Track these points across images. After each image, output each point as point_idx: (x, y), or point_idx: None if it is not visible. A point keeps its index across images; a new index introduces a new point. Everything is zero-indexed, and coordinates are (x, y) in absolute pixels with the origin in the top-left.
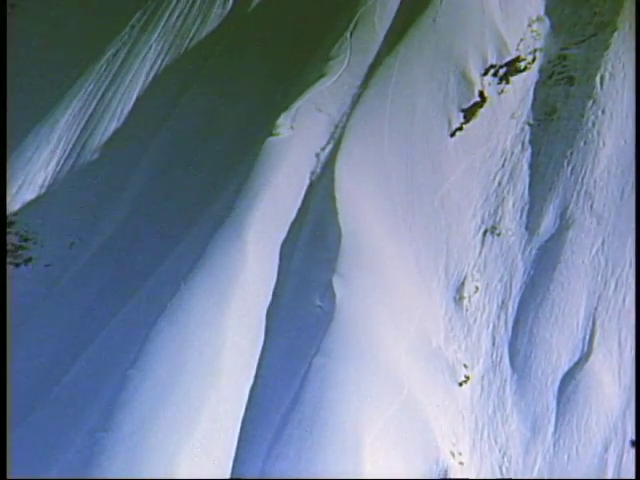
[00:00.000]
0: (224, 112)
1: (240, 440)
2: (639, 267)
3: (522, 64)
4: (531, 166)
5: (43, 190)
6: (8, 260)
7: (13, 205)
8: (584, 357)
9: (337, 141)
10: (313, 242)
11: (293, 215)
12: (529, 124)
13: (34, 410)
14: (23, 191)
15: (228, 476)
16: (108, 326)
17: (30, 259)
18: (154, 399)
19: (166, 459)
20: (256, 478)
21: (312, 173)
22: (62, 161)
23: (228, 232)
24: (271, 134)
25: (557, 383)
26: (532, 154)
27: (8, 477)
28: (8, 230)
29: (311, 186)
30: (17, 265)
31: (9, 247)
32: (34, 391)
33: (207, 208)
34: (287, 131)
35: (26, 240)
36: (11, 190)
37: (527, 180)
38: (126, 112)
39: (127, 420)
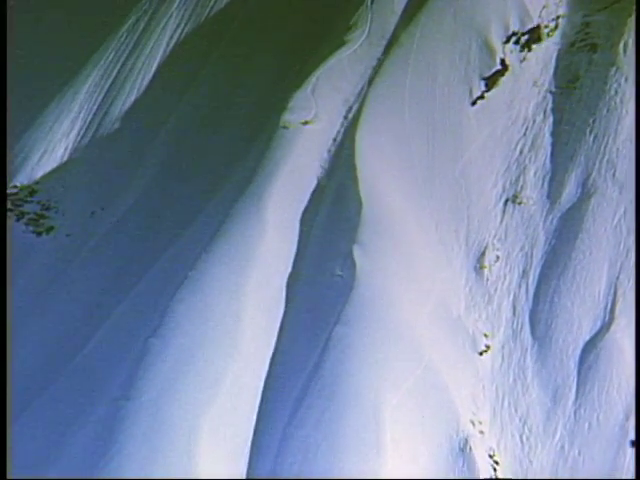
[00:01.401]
0: (244, 82)
1: (261, 408)
2: (639, 266)
3: (544, 31)
4: (553, 134)
5: (64, 159)
6: (30, 229)
7: (35, 174)
8: (605, 326)
9: (357, 111)
10: (333, 212)
11: (313, 185)
12: (551, 92)
13: (55, 380)
14: (44, 160)
15: (249, 443)
16: (129, 295)
17: (52, 228)
18: (175, 367)
19: (188, 427)
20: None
21: (333, 142)
22: (83, 130)
23: (248, 202)
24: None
25: (578, 352)
26: (554, 122)
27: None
28: (29, 199)
29: (332, 156)
30: (39, 234)
31: (31, 216)
32: (55, 360)
33: (227, 178)
34: (303, 113)
35: (47, 209)
36: (33, 159)
37: (549, 148)
38: (147, 81)
39: (148, 388)
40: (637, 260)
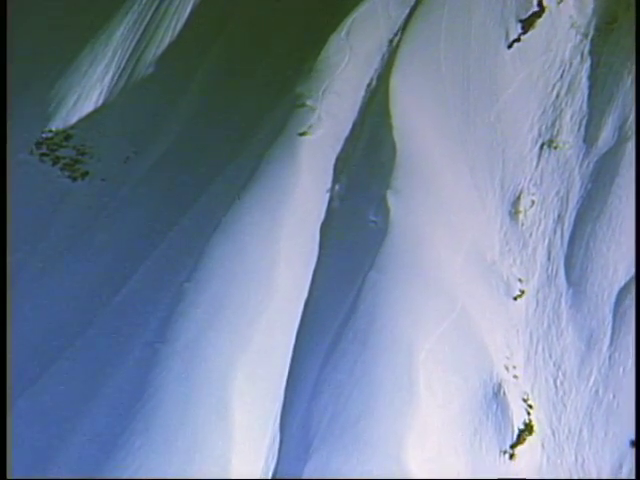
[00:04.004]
0: (278, 24)
1: (294, 353)
2: (639, 266)
3: None
4: (590, 77)
5: (99, 104)
6: (65, 174)
7: (70, 118)
8: None
9: (392, 54)
10: (368, 157)
11: (347, 130)
12: (589, 34)
13: (90, 324)
14: (79, 105)
15: (283, 386)
16: (164, 240)
17: (87, 173)
18: (210, 311)
19: (222, 370)
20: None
21: (367, 87)
22: (117, 75)
23: (282, 147)
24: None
25: (614, 297)
26: (591, 65)
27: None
28: (65, 144)
29: (367, 100)
30: (74, 179)
31: (66, 161)
32: (90, 305)
33: (261, 122)
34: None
35: (83, 154)
36: (68, 104)
37: (586, 92)
38: (181, 24)
39: (183, 332)
40: (637, 258)
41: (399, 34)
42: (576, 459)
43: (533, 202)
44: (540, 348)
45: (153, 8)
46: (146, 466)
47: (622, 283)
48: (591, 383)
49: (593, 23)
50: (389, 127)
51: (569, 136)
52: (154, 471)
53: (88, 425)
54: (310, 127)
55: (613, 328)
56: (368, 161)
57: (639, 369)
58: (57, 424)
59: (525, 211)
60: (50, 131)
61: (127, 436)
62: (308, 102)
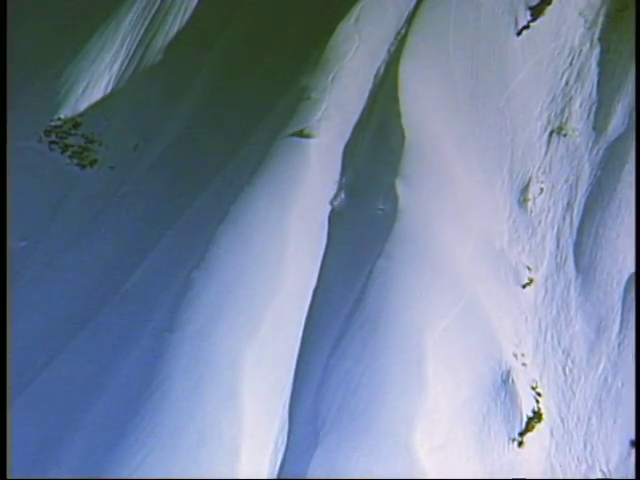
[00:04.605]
0: (288, 11)
1: (303, 341)
2: (639, 265)
3: None
4: (600, 64)
5: (108, 91)
6: (74, 162)
7: (79, 106)
8: None
9: (401, 42)
10: (376, 145)
11: (356, 118)
12: (598, 21)
13: (99, 312)
14: (88, 92)
15: (292, 375)
16: (172, 228)
17: (95, 161)
18: (218, 300)
19: (230, 358)
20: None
21: (376, 75)
22: (126, 62)
23: (290, 139)
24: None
25: (623, 284)
26: (601, 52)
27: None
28: (74, 131)
29: (375, 88)
30: (83, 167)
31: (75, 149)
32: (100, 292)
33: (270, 109)
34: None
35: (91, 142)
36: (77, 91)
37: (595, 79)
38: (189, 11)
39: (192, 320)
40: (637, 259)
41: (408, 22)
42: (585, 446)
43: (542, 190)
44: (549, 336)
45: None
46: (155, 453)
47: (631, 270)
48: (600, 371)
49: (603, 10)
50: (397, 115)
51: (578, 123)
52: (163, 459)
53: (96, 413)
54: (319, 120)
55: (622, 315)
56: (377, 149)
57: (639, 369)
58: (64, 412)
59: (534, 199)
60: (59, 119)
61: (135, 423)
62: (314, 94)
